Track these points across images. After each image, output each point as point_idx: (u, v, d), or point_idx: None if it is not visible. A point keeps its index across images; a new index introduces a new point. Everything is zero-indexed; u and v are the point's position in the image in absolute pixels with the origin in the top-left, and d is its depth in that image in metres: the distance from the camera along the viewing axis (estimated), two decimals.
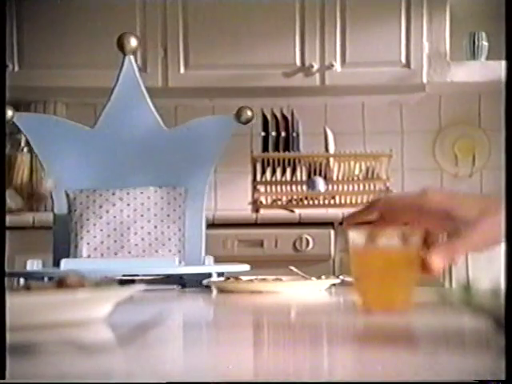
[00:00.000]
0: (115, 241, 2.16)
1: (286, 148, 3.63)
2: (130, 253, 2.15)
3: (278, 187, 3.62)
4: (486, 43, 3.70)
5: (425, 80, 3.58)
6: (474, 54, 3.70)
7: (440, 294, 1.17)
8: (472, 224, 1.11)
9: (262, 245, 3.26)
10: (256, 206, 3.58)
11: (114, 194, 2.18)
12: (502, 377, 0.65)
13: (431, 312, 1.21)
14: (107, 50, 3.56)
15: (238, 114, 2.29)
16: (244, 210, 3.63)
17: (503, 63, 3.40)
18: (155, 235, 2.18)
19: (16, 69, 3.55)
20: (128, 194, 2.19)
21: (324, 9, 3.57)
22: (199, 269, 2.14)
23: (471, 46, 3.70)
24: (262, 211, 3.54)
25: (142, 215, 2.18)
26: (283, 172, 3.62)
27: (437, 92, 3.78)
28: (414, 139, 3.92)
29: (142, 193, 2.19)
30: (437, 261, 1.10)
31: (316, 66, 3.55)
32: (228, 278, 1.80)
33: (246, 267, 2.21)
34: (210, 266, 2.23)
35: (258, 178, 3.61)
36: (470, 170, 3.92)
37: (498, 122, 3.79)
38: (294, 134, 3.66)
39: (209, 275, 1.95)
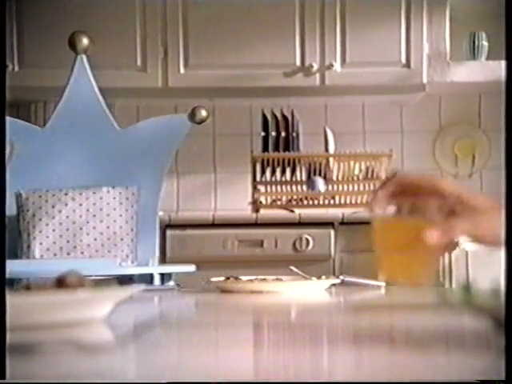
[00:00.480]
0: (68, 241, 2.16)
1: (286, 148, 3.63)
2: (82, 253, 2.15)
3: (278, 187, 3.62)
4: (486, 43, 3.70)
5: (425, 80, 3.58)
6: (474, 54, 3.70)
7: (440, 293, 1.17)
8: (480, 211, 1.13)
9: (261, 245, 3.26)
10: (256, 206, 3.58)
11: (66, 194, 2.18)
12: (502, 377, 0.65)
13: (431, 312, 1.21)
14: (107, 50, 3.56)
15: (192, 114, 2.28)
16: (244, 210, 3.63)
17: (503, 63, 3.41)
18: (107, 235, 2.18)
19: (16, 69, 3.55)
20: (81, 194, 2.18)
21: (324, 9, 3.57)
22: (140, 270, 2.14)
23: (471, 46, 3.70)
24: (262, 211, 3.54)
25: (94, 215, 2.18)
26: (283, 172, 3.62)
27: (437, 92, 3.78)
28: (414, 139, 3.92)
29: (94, 193, 2.19)
30: (435, 236, 1.11)
31: (316, 66, 3.55)
32: (228, 278, 1.80)
33: (191, 268, 2.22)
34: (152, 267, 2.23)
35: (258, 177, 3.61)
36: (470, 170, 3.92)
37: (498, 122, 3.78)
38: (294, 134, 3.66)
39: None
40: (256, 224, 3.30)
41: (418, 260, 1.15)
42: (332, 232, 3.26)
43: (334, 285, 1.77)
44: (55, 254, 2.12)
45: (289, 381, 0.67)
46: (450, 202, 1.16)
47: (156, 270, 2.10)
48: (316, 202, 3.61)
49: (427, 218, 1.14)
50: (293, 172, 3.62)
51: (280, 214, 3.49)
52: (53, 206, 2.16)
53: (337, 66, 3.56)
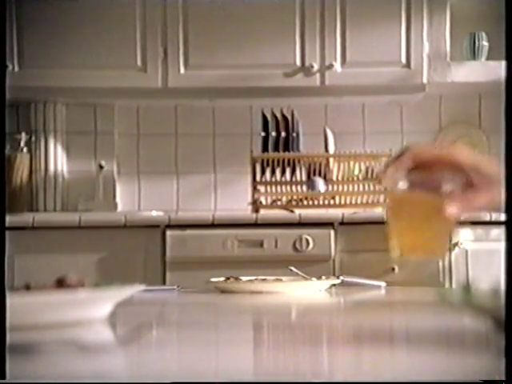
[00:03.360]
0: None
1: (286, 148, 3.63)
2: None
3: (278, 187, 3.62)
4: (486, 43, 3.70)
5: (425, 80, 3.58)
6: (474, 55, 3.70)
7: (440, 294, 1.17)
8: (495, 180, 1.13)
9: (261, 245, 3.26)
10: (256, 206, 3.58)
11: None
12: (502, 377, 0.65)
13: (431, 312, 1.21)
14: (107, 50, 3.56)
15: None
16: (244, 210, 3.63)
17: (503, 63, 3.40)
18: None
19: (16, 69, 3.55)
20: None
21: (324, 9, 3.57)
22: None
23: (471, 46, 3.70)
24: (262, 211, 3.54)
25: None
26: (283, 172, 3.62)
27: (437, 92, 3.78)
28: (414, 139, 3.92)
29: None
30: (455, 208, 1.11)
31: (316, 66, 3.55)
32: (228, 279, 1.80)
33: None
34: None
35: (258, 178, 3.61)
36: None
37: (497, 122, 3.78)
38: (294, 134, 3.66)
39: None
40: (256, 224, 3.30)
41: (432, 233, 1.14)
42: (332, 232, 3.26)
43: (334, 285, 1.77)
44: None
45: (289, 381, 0.67)
46: (467, 173, 1.15)
47: None
48: (316, 202, 3.60)
49: (442, 192, 1.13)
50: (293, 172, 3.62)
51: (280, 214, 3.49)
52: None
53: (337, 66, 3.56)
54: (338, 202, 3.59)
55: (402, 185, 1.14)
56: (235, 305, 1.53)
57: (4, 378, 0.67)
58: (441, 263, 3.24)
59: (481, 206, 1.15)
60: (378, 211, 3.47)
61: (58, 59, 3.54)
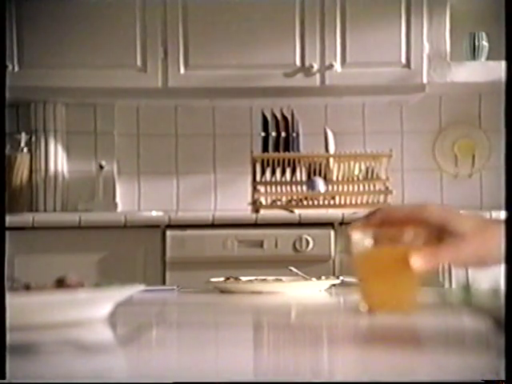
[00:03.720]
0: None
1: (286, 148, 3.63)
2: None
3: (278, 187, 3.62)
4: (486, 43, 3.69)
5: (425, 80, 3.58)
6: (474, 55, 3.70)
7: (440, 294, 1.17)
8: (462, 236, 1.14)
9: (261, 245, 3.26)
10: (256, 206, 3.58)
11: None
12: (502, 377, 0.65)
13: (431, 312, 1.21)
14: (107, 50, 3.56)
15: None
16: (244, 211, 3.63)
17: (503, 63, 3.40)
18: None
19: (16, 69, 3.55)
20: None
21: (324, 9, 3.57)
22: None
23: (471, 46, 3.70)
24: (262, 211, 3.54)
25: None
26: (283, 172, 3.62)
27: (437, 92, 3.78)
28: (414, 139, 3.92)
29: None
30: (418, 262, 1.11)
31: (316, 67, 3.55)
32: (228, 279, 1.80)
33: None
34: None
35: (258, 178, 3.61)
36: (470, 171, 3.92)
37: (498, 122, 3.78)
38: (294, 135, 3.66)
39: None
40: (256, 224, 3.30)
41: (399, 288, 1.15)
42: (332, 232, 3.26)
43: (334, 285, 1.76)
44: None
45: (289, 381, 0.67)
46: (434, 229, 1.16)
47: None
48: (316, 202, 3.60)
49: (408, 245, 1.14)
50: (293, 172, 3.62)
51: (280, 214, 3.49)
52: None
53: (337, 67, 3.56)
54: (337, 202, 3.59)
55: (368, 242, 1.16)
56: (235, 305, 1.53)
57: (4, 378, 0.67)
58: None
59: (444, 261, 1.16)
60: None
61: (57, 59, 3.54)
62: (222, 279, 1.79)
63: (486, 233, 1.14)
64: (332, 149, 3.68)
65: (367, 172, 3.61)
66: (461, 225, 1.15)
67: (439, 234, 1.16)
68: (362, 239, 1.18)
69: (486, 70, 3.63)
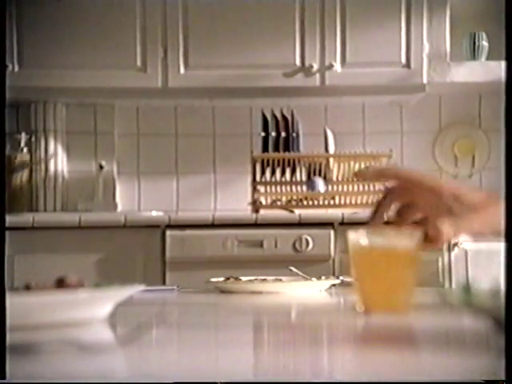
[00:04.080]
0: None
1: (286, 148, 3.63)
2: None
3: (278, 187, 3.62)
4: (486, 43, 3.70)
5: (425, 80, 3.58)
6: (474, 55, 3.70)
7: (440, 294, 1.17)
8: (476, 208, 1.17)
9: (261, 245, 3.26)
10: (256, 206, 3.58)
11: None
12: (502, 377, 0.65)
13: (431, 312, 1.21)
14: (107, 50, 3.56)
15: None
16: (244, 211, 3.63)
17: (503, 63, 3.40)
18: None
19: (16, 69, 3.55)
20: None
21: (324, 9, 3.57)
22: None
23: (471, 46, 3.70)
24: (262, 211, 3.54)
25: None
26: (283, 172, 3.62)
27: (437, 92, 3.78)
28: (414, 139, 3.92)
29: None
30: (445, 231, 1.12)
31: (316, 67, 3.55)
32: (228, 279, 1.80)
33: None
34: None
35: (258, 178, 3.61)
36: (470, 171, 3.92)
37: (498, 122, 3.79)
38: (294, 135, 3.66)
39: None
40: (256, 224, 3.30)
41: (395, 288, 1.15)
42: (332, 232, 3.26)
43: (334, 285, 1.76)
44: None
45: (289, 381, 0.67)
46: (446, 201, 1.17)
47: None
48: (316, 202, 3.60)
49: (422, 217, 1.16)
50: (293, 172, 3.62)
51: (280, 214, 3.49)
52: None
53: (337, 67, 3.56)
54: (337, 202, 3.59)
55: (364, 240, 1.16)
56: (235, 305, 1.53)
57: (4, 378, 0.67)
58: (440, 263, 3.24)
59: (464, 232, 1.18)
60: None
61: (58, 59, 3.54)
62: (222, 279, 1.79)
63: (497, 203, 1.16)
64: (332, 149, 3.68)
65: None
66: (472, 197, 1.18)
67: (452, 202, 1.18)
68: (358, 237, 1.18)
69: (486, 70, 3.63)
